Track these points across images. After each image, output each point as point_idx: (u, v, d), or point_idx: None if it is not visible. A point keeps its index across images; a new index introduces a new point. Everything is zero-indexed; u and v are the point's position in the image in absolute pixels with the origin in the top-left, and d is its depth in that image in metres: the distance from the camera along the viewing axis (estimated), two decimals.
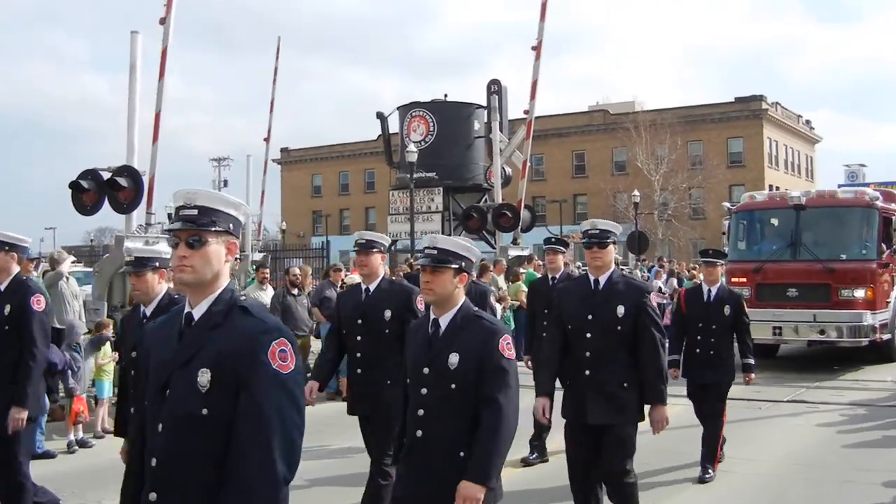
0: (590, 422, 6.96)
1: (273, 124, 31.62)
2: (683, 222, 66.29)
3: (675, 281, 28.35)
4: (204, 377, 3.45)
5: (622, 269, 8.76)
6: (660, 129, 65.24)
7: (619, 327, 6.91)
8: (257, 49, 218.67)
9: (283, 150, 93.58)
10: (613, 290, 7.03)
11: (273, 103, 31.21)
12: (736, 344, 10.46)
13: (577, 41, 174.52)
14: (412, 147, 32.70)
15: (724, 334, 10.24)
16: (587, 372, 7.00)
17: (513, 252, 25.95)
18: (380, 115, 36.11)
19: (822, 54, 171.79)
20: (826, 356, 19.85)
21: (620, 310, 6.90)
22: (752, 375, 10.54)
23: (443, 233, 32.87)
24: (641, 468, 9.54)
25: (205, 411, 3.44)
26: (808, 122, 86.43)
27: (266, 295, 16.45)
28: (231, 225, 3.71)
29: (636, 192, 53.91)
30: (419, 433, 5.13)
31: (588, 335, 7.00)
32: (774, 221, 21.10)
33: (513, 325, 20.69)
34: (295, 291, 16.32)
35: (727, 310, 10.20)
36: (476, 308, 5.32)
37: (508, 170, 32.07)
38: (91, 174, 15.23)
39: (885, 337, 18.88)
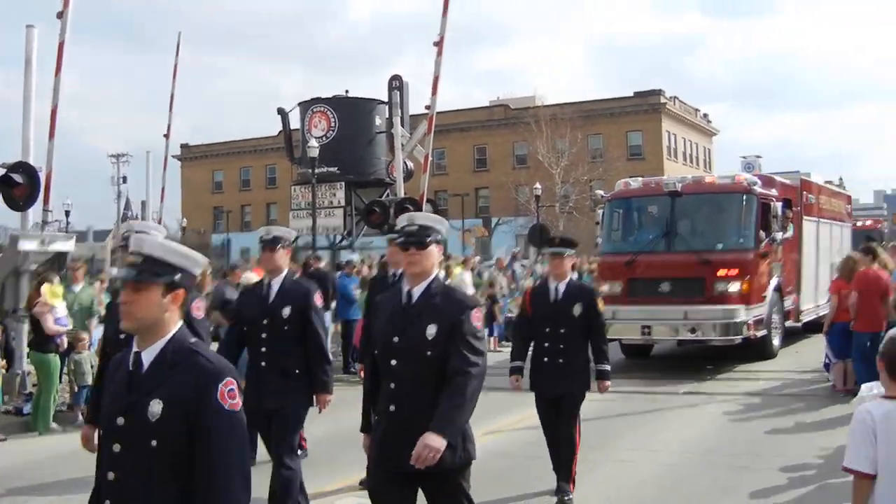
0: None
1: (174, 120, 31.21)
2: (585, 214, 66.83)
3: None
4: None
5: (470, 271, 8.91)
6: (560, 123, 65.74)
7: (428, 352, 5.31)
8: (161, 44, 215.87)
9: (184, 146, 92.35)
10: (428, 306, 5.45)
11: (173, 99, 30.86)
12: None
13: (480, 36, 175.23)
14: (314, 142, 32.57)
15: (575, 337, 8.87)
16: (391, 408, 5.46)
17: None
18: (281, 111, 35.88)
19: (721, 50, 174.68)
20: (700, 355, 19.16)
21: (431, 330, 5.33)
22: (608, 384, 9.09)
23: (344, 228, 32.87)
24: (544, 461, 9.73)
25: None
26: (705, 115, 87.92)
27: None
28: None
29: (537, 186, 54.41)
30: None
31: (393, 362, 5.45)
32: (650, 210, 20.12)
33: None
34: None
35: (577, 308, 8.80)
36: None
37: (410, 164, 32.11)
38: None
39: (760, 334, 17.82)
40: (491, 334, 21.90)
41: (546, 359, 8.96)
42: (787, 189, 20.49)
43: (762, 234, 18.05)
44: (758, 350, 18.33)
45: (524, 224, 63.67)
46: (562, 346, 8.86)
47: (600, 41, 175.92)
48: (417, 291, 5.47)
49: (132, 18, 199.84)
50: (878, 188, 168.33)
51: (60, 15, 16.30)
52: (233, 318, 8.47)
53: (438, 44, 26.78)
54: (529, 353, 9.28)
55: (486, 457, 7.22)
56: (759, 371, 17.44)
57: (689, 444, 11.50)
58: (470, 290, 23.86)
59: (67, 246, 15.45)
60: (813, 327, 21.44)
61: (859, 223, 40.19)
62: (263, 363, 7.69)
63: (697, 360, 18.72)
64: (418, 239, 5.48)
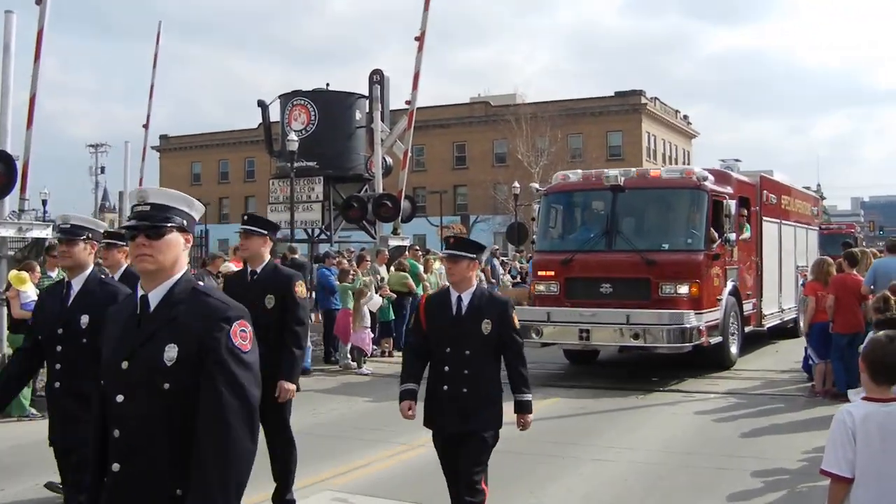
0: None
1: (153, 111, 31.07)
2: None
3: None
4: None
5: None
6: (540, 121, 65.78)
7: (166, 385, 3.63)
8: (139, 34, 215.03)
9: (163, 137, 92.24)
10: (166, 318, 3.74)
11: (153, 89, 30.72)
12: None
13: (461, 32, 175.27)
14: (293, 136, 32.44)
15: (484, 361, 6.92)
16: (115, 467, 3.73)
17: (393, 242, 26.02)
18: (261, 104, 35.70)
19: (702, 52, 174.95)
20: (649, 363, 18.10)
21: (171, 352, 3.64)
22: (530, 418, 7.09)
23: (322, 223, 32.76)
24: (518, 457, 9.73)
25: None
26: (685, 117, 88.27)
27: None
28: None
29: (516, 184, 54.40)
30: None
31: (119, 398, 3.72)
32: (590, 205, 18.69)
33: (392, 316, 20.75)
34: None
35: (486, 326, 6.88)
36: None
37: (389, 160, 32.04)
38: None
39: (715, 340, 16.49)
40: None
41: (445, 387, 6.92)
42: (745, 186, 19.12)
43: (714, 233, 16.68)
44: (712, 358, 17.04)
45: (502, 222, 63.70)
46: (466, 371, 6.87)
47: (583, 41, 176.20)
48: (154, 299, 3.80)
49: (101, 4, 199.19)
50: (856, 195, 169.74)
51: (39, 1, 16.18)
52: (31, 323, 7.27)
53: (419, 39, 26.83)
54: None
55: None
56: (738, 370, 17.38)
57: (668, 442, 11.50)
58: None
59: (45, 233, 15.47)
60: (779, 332, 21.50)
61: (833, 227, 40.26)
62: (58, 383, 6.37)
63: (666, 364, 17.71)
64: (151, 223, 3.82)
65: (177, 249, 3.85)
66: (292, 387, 7.91)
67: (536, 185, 19.91)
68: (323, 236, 34.44)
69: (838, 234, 37.18)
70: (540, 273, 17.74)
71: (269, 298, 7.83)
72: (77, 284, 6.40)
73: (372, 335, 19.18)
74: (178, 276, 3.84)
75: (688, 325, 15.48)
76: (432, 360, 7.13)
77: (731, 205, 16.96)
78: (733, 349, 17.58)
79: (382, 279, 20.71)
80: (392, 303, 20.67)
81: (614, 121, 73.77)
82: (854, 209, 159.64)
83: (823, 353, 14.43)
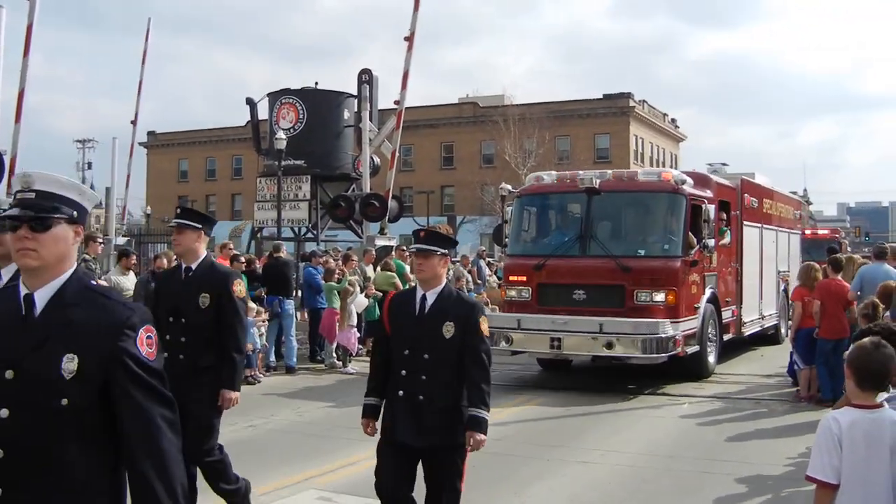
0: None
1: (141, 107, 31.02)
2: None
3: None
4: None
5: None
6: (528, 123, 65.78)
7: (63, 401, 3.19)
8: (125, 28, 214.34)
9: (150, 134, 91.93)
10: (60, 323, 3.26)
11: (141, 85, 30.69)
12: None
13: (450, 32, 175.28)
14: (281, 134, 32.42)
15: (445, 367, 6.18)
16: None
17: (380, 242, 26.03)
18: (249, 101, 35.68)
19: (690, 55, 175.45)
20: (625, 371, 17.16)
21: (70, 363, 3.19)
22: (482, 438, 6.13)
23: (309, 221, 32.76)
24: (503, 458, 9.74)
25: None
26: (673, 120, 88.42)
27: (129, 280, 16.20)
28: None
29: (503, 185, 54.43)
30: None
31: (3, 412, 3.19)
32: (565, 208, 18.22)
33: (379, 314, 20.73)
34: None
35: (448, 328, 6.14)
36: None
37: (377, 159, 32.05)
38: None
39: (692, 350, 15.96)
40: None
41: (401, 392, 6.24)
42: (725, 190, 18.62)
43: (692, 239, 16.10)
44: (689, 368, 16.43)
45: (489, 223, 63.62)
46: (423, 377, 6.18)
47: (569, 40, 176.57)
48: (41, 299, 3.31)
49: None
50: (843, 200, 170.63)
51: None
52: None
53: (409, 39, 26.89)
54: None
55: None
56: (723, 375, 17.34)
57: (652, 446, 11.50)
58: None
59: None
60: (759, 339, 21.26)
61: (819, 232, 40.15)
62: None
63: (641, 373, 16.84)
64: (35, 213, 3.35)
65: (65, 244, 3.37)
66: (235, 395, 7.37)
67: (509, 187, 19.83)
68: (310, 235, 34.42)
69: (823, 239, 37.11)
70: (511, 278, 17.25)
71: (204, 297, 7.29)
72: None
73: (358, 334, 19.17)
74: (67, 273, 3.36)
75: (663, 335, 14.90)
76: (392, 363, 6.38)
77: (710, 209, 16.44)
78: (711, 358, 17.07)
79: (368, 279, 20.71)
80: (378, 302, 20.67)
81: (602, 123, 73.81)
82: (840, 215, 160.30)
83: (809, 359, 14.46)
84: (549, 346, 15.62)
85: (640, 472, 10.29)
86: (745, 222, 19.49)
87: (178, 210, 7.64)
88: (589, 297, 15.86)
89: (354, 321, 18.63)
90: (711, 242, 16.49)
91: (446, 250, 6.41)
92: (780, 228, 22.92)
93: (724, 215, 18.24)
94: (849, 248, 42.09)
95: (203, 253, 7.52)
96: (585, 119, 73.58)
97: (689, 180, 16.75)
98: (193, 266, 7.44)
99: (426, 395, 6.15)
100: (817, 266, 15.38)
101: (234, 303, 7.38)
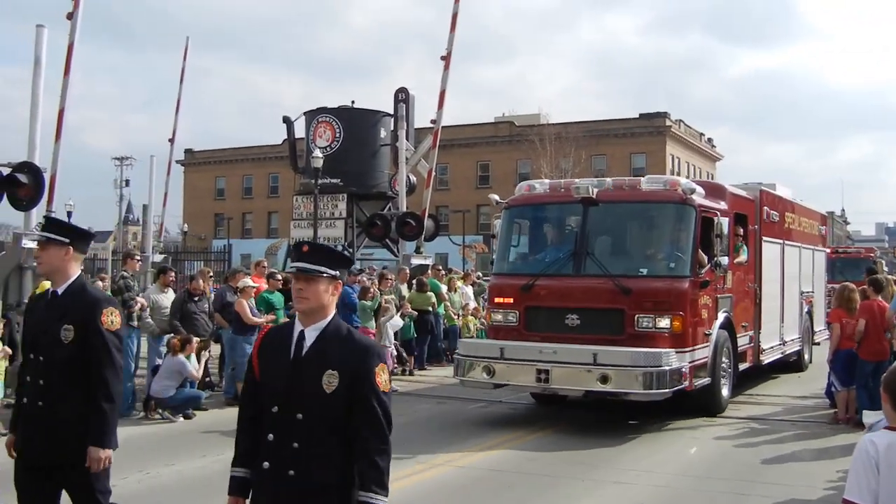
0: None
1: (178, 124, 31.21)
2: None
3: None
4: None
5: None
6: (564, 142, 65.81)
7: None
8: (158, 45, 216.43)
9: (188, 152, 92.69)
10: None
11: (179, 104, 30.85)
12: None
13: (485, 50, 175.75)
14: (318, 153, 32.60)
15: (318, 432, 4.55)
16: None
17: (415, 261, 26.05)
18: (286, 120, 35.92)
19: (726, 72, 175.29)
20: (627, 406, 14.84)
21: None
22: None
23: (345, 240, 32.88)
24: (537, 479, 9.70)
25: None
26: (709, 140, 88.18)
27: (167, 298, 16.30)
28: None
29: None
30: None
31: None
32: (558, 221, 16.39)
33: (415, 333, 20.80)
34: (196, 298, 16.20)
35: (331, 379, 4.53)
36: None
37: (413, 178, 32.17)
38: None
39: (701, 382, 14.10)
40: None
41: (267, 464, 4.59)
42: (741, 202, 16.69)
43: (702, 256, 14.26)
44: (699, 402, 14.67)
45: None
46: (296, 444, 4.55)
47: (603, 57, 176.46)
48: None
49: (119, 15, 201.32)
50: (881, 220, 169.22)
51: (70, 16, 16.34)
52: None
53: (446, 58, 26.89)
54: None
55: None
56: (760, 395, 17.19)
57: (687, 467, 11.43)
58: (472, 304, 24.08)
59: None
60: (781, 367, 19.56)
61: (851, 251, 39.17)
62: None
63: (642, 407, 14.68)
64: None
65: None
66: (105, 454, 5.87)
67: (496, 197, 17.26)
68: (346, 253, 34.54)
69: (857, 258, 36.33)
70: (497, 300, 15.34)
71: (67, 329, 5.89)
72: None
73: (395, 353, 19.18)
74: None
75: (667, 367, 13.04)
76: (261, 422, 4.71)
77: (724, 222, 14.56)
78: (724, 391, 15.22)
79: (403, 298, 20.75)
80: (414, 320, 20.71)
81: (638, 143, 73.74)
82: (879, 234, 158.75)
83: (847, 381, 14.31)
84: (535, 378, 13.61)
85: (673, 493, 10.21)
86: (764, 238, 17.49)
87: (43, 221, 6.59)
88: (583, 323, 14.02)
89: (390, 340, 18.64)
90: (725, 260, 14.70)
91: (336, 272, 4.77)
92: (804, 245, 20.93)
93: (741, 230, 16.44)
94: (885, 268, 41.44)
95: (74, 273, 6.14)
96: (622, 138, 73.55)
97: (701, 190, 14.86)
98: (60, 290, 6.09)
99: (298, 469, 4.52)
100: (853, 287, 15.18)
101: (103, 337, 5.94)
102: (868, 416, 6.69)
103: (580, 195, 14.49)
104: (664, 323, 13.59)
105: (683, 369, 13.37)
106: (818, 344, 21.63)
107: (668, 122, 74.85)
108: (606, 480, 10.63)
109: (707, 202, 14.76)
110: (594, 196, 14.49)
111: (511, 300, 14.84)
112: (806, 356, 21.12)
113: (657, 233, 15.44)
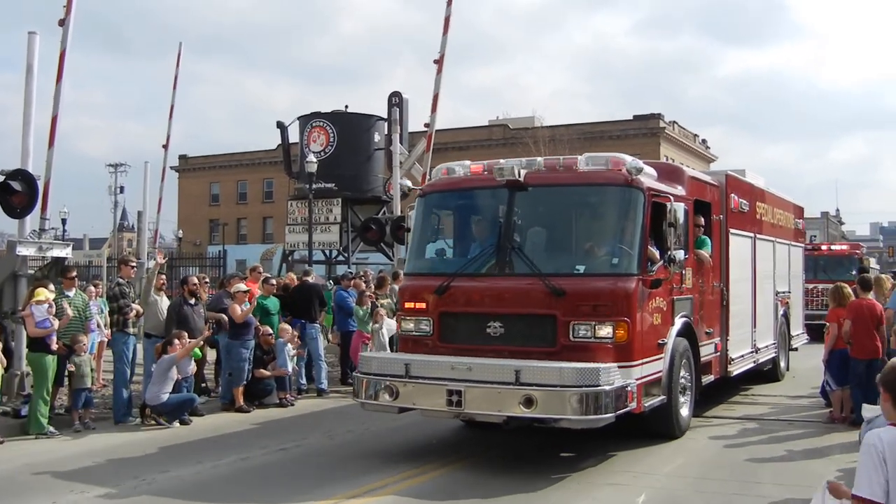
0: None
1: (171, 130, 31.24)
2: None
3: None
4: None
5: None
6: (559, 144, 65.73)
7: None
8: (150, 51, 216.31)
9: (182, 158, 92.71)
10: None
11: (172, 110, 30.85)
12: None
13: (476, 53, 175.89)
14: (312, 157, 32.61)
15: None
16: None
17: None
18: (280, 125, 35.97)
19: (719, 72, 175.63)
20: (560, 435, 12.46)
21: None
22: None
23: (340, 244, 32.90)
24: (533, 477, 9.71)
25: None
26: (704, 141, 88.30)
27: (163, 302, 16.29)
28: None
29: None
30: None
31: None
32: (481, 210, 13.45)
33: None
34: (192, 301, 16.20)
35: None
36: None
37: (408, 182, 32.20)
38: None
39: (653, 402, 11.80)
40: None
41: None
42: (703, 188, 14.53)
43: (653, 251, 11.93)
44: (652, 426, 12.49)
45: None
46: None
47: (595, 59, 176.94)
48: None
49: (111, 21, 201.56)
50: (875, 220, 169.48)
51: (62, 23, 16.33)
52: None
53: (438, 62, 26.93)
54: None
55: None
56: (755, 395, 17.19)
57: (682, 467, 11.40)
58: None
59: (65, 252, 15.69)
60: (753, 377, 17.82)
61: (835, 248, 37.89)
62: None
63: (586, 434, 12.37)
64: None
65: None
66: None
67: (409, 183, 14.78)
68: (340, 258, 34.52)
69: (841, 255, 34.91)
70: (407, 305, 12.83)
71: None
72: None
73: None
74: None
75: (607, 387, 10.42)
76: None
77: (679, 209, 12.34)
78: (684, 411, 13.04)
79: (397, 302, 20.75)
80: None
81: (633, 144, 73.45)
82: (873, 234, 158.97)
83: (841, 380, 14.34)
84: (445, 401, 10.90)
85: (669, 494, 10.19)
86: (731, 230, 15.37)
87: None
88: (508, 332, 11.66)
89: (386, 346, 18.64)
90: (681, 255, 12.51)
91: None
92: (779, 239, 18.83)
93: (703, 220, 14.13)
94: (876, 266, 40.53)
95: None
96: (616, 140, 73.40)
97: (651, 170, 12.44)
98: None
99: None
100: (845, 285, 15.27)
101: None
102: (867, 411, 6.71)
103: (504, 178, 11.96)
104: (605, 331, 11.19)
105: (629, 388, 10.93)
106: (796, 349, 20.80)
107: (661, 124, 74.92)
108: (600, 482, 10.58)
109: (659, 185, 12.44)
110: (521, 179, 11.98)
111: (423, 305, 12.49)
112: (782, 364, 19.32)
113: (597, 222, 12.79)
